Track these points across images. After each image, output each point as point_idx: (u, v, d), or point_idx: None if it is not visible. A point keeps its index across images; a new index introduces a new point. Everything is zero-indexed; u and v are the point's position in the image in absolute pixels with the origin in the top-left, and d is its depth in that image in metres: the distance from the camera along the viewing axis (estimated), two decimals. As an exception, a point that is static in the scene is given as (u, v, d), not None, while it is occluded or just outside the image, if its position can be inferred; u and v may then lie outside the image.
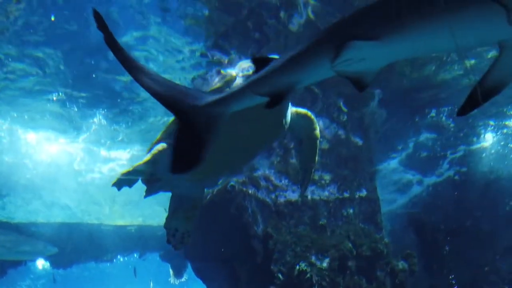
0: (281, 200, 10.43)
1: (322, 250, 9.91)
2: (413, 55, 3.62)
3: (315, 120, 5.60)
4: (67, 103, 11.90)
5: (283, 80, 3.04)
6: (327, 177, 11.02)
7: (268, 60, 3.14)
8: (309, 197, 10.63)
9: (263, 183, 10.44)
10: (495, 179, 16.30)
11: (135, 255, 21.81)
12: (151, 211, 19.40)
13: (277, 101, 3.05)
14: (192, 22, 8.84)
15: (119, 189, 5.39)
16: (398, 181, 17.19)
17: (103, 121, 13.04)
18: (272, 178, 10.54)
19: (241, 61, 5.39)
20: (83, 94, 11.47)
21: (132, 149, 15.49)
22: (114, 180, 5.34)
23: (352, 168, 11.45)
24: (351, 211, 11.10)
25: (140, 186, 6.05)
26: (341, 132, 11.43)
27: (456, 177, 16.77)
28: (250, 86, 3.16)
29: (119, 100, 11.79)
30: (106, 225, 18.65)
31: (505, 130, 14.74)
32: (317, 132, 5.62)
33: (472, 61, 9.79)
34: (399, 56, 2.99)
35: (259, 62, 3.22)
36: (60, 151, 15.16)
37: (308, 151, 5.68)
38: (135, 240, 18.62)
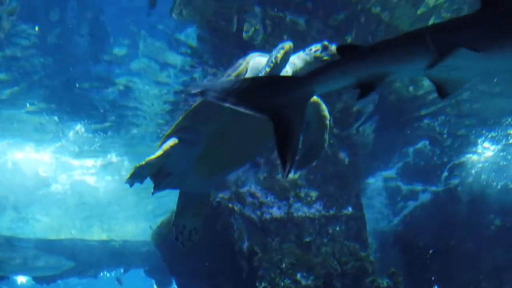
0: (267, 216, 10.41)
1: (307, 267, 9.87)
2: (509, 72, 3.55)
3: (322, 103, 5.55)
4: (45, 113, 11.89)
5: (376, 68, 2.94)
6: (313, 194, 11.03)
7: (356, 48, 3.02)
8: (294, 214, 10.62)
9: (249, 199, 10.42)
10: (481, 196, 16.44)
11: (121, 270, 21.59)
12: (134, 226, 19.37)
13: (368, 90, 2.94)
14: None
15: (131, 185, 5.39)
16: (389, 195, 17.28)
17: (82, 131, 13.03)
18: (258, 194, 10.53)
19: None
20: (63, 104, 11.48)
21: (105, 158, 15.40)
22: (127, 176, 5.32)
23: (339, 185, 11.48)
24: (337, 228, 11.10)
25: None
26: (327, 149, 11.47)
27: (444, 194, 16.91)
28: (340, 67, 3.01)
29: (102, 110, 11.81)
30: (90, 241, 18.44)
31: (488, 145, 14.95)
32: (326, 113, 5.49)
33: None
34: (496, 72, 2.98)
35: (346, 50, 3.07)
36: (29, 159, 15.11)
37: (317, 131, 5.51)
38: (119, 256, 18.39)
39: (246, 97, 2.97)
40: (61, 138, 13.56)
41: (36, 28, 8.56)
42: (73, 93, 10.91)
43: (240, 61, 5.27)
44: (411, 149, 14.77)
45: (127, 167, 16.19)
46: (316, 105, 5.49)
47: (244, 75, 5.04)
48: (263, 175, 10.69)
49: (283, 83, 3.02)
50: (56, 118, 12.22)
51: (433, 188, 16.74)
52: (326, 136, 5.56)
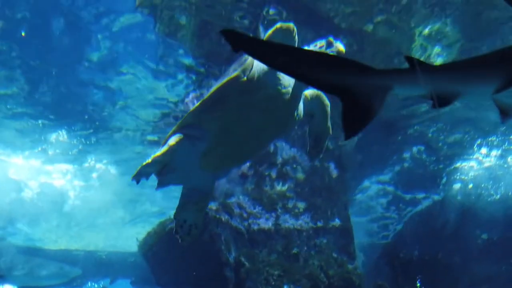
0: (255, 228, 10.39)
1: (294, 279, 9.84)
2: None
3: (323, 93, 5.67)
4: (27, 117, 11.86)
5: (444, 86, 2.96)
6: (301, 205, 11.04)
7: (421, 64, 3.02)
8: (282, 225, 10.62)
9: (236, 210, 10.40)
10: (469, 209, 16.56)
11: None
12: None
13: (442, 104, 2.94)
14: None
15: (138, 182, 5.40)
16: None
17: (65, 136, 12.99)
18: (246, 205, 10.52)
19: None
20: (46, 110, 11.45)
21: (84, 164, 15.34)
22: (134, 173, 5.33)
23: (326, 197, 11.50)
24: (324, 240, 11.10)
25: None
26: (316, 161, 11.51)
27: (432, 207, 17.02)
28: (414, 75, 2.98)
29: (86, 116, 11.79)
30: (76, 250, 18.28)
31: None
32: (327, 101, 5.69)
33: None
34: None
35: (413, 62, 3.03)
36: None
37: (321, 120, 5.73)
38: (105, 266, 18.25)
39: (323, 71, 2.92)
40: (42, 143, 13.47)
41: (23, 33, 8.59)
42: (57, 97, 10.89)
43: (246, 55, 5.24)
44: (405, 156, 14.73)
45: (113, 174, 16.19)
46: (320, 97, 5.63)
47: (251, 70, 5.05)
48: (251, 186, 10.68)
49: (362, 68, 2.97)
50: (39, 122, 12.15)
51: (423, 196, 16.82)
52: (329, 123, 5.74)
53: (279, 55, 2.84)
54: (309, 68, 2.87)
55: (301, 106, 5.51)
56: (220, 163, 5.79)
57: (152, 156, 5.23)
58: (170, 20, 8.71)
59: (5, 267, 15.25)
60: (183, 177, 5.85)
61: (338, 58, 2.96)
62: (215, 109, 5.26)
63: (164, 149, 5.31)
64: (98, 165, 15.48)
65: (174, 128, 5.61)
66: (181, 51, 9.57)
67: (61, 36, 8.67)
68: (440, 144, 14.08)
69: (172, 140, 5.37)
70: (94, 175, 16.20)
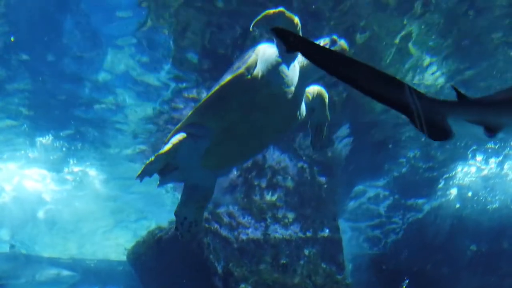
0: (244, 237, 10.39)
1: (283, 289, 9.85)
2: None
3: (323, 89, 5.77)
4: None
5: (492, 118, 3.13)
6: (290, 215, 11.07)
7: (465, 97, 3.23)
8: (271, 235, 10.63)
9: (226, 219, 10.41)
10: (458, 221, 16.64)
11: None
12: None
13: (493, 132, 3.12)
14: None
15: (141, 180, 5.41)
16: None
17: (49, 141, 12.95)
18: (236, 214, 10.53)
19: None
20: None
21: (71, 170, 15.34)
22: (139, 171, 5.37)
23: (316, 207, 11.55)
24: (313, 250, 11.12)
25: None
26: (306, 171, 11.57)
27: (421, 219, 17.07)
28: (464, 106, 3.19)
29: (72, 122, 11.77)
30: (63, 258, 18.15)
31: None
32: (326, 94, 5.80)
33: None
34: None
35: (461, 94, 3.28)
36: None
37: (321, 112, 5.84)
38: (94, 274, 18.13)
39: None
40: (27, 147, 13.42)
41: (12, 38, 8.60)
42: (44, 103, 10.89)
43: (250, 52, 5.24)
44: (400, 161, 14.75)
45: (95, 179, 16.20)
46: (321, 94, 5.72)
47: (255, 68, 5.04)
48: (240, 195, 10.70)
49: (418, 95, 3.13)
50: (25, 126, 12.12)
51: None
52: (328, 112, 5.84)
53: (337, 65, 2.91)
54: (366, 82, 2.96)
55: (303, 106, 5.56)
56: (221, 162, 5.82)
57: (156, 154, 5.27)
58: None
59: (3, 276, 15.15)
60: (184, 174, 5.88)
61: (395, 79, 3.11)
62: (218, 107, 5.27)
63: (167, 147, 5.34)
64: (77, 168, 15.34)
65: (177, 126, 5.65)
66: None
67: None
68: (433, 152, 14.15)
69: (175, 139, 5.39)
70: (69, 177, 16.09)
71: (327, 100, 5.81)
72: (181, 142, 5.37)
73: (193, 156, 5.58)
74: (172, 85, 10.03)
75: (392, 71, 9.48)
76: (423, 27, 8.63)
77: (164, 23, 8.34)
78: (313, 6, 8.00)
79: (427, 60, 9.61)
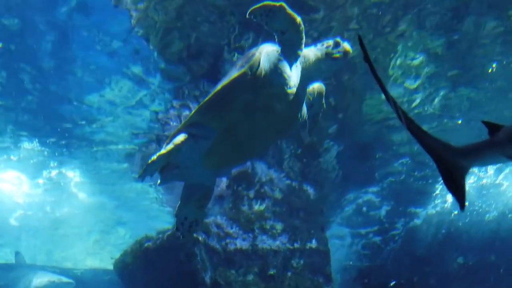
0: (231, 247, 10.38)
1: (270, 300, 9.83)
2: None
3: (323, 87, 5.87)
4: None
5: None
6: (278, 226, 11.08)
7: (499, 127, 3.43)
8: (259, 246, 10.62)
9: (214, 229, 10.39)
10: (445, 234, 16.71)
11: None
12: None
13: None
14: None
15: (143, 179, 5.43)
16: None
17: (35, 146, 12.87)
18: (224, 225, 10.52)
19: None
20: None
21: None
22: (140, 171, 5.39)
23: (304, 218, 11.57)
24: (301, 262, 11.12)
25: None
26: (294, 182, 11.60)
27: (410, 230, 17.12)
28: (499, 148, 3.36)
29: (59, 129, 11.74)
30: (51, 267, 17.97)
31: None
32: (324, 88, 5.90)
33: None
34: None
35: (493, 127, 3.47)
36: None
37: (318, 104, 5.94)
38: (81, 284, 17.96)
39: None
40: (12, 150, 13.33)
41: (0, 44, 8.63)
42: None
43: (253, 50, 5.27)
44: (385, 172, 14.78)
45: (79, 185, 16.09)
46: (321, 92, 5.81)
47: (258, 67, 5.06)
48: (228, 205, 10.70)
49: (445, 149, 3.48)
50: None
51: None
52: (324, 101, 5.95)
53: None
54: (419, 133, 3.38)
55: (304, 107, 5.63)
56: (222, 162, 5.84)
57: (157, 154, 5.29)
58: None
59: None
60: (185, 174, 5.91)
61: (435, 139, 3.44)
62: (220, 107, 5.30)
63: (169, 147, 5.36)
64: (54, 171, 15.23)
65: (179, 125, 5.69)
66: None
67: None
68: (427, 160, 14.18)
69: (177, 139, 5.42)
70: (40, 181, 15.99)
71: (324, 93, 5.90)
72: (182, 142, 5.39)
73: (195, 155, 5.61)
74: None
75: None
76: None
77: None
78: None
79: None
